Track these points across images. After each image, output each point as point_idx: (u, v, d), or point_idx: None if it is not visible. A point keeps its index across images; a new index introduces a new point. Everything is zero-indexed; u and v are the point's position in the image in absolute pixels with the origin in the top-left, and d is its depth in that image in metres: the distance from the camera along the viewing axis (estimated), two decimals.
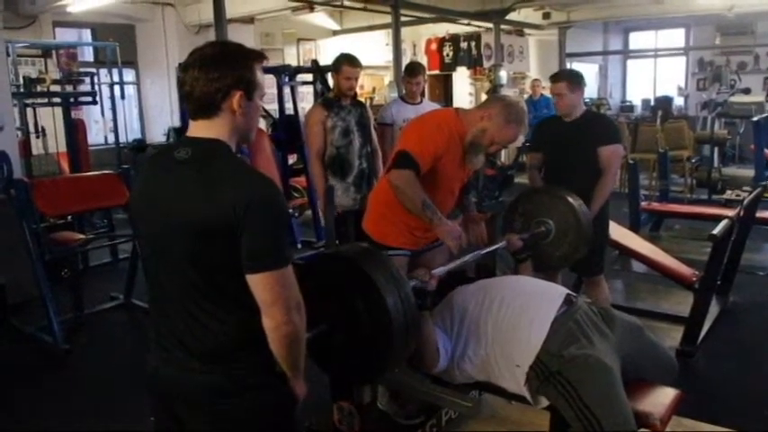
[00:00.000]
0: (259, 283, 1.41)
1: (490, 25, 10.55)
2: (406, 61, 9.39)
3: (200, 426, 1.53)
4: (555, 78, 3.57)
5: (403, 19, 9.07)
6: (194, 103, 1.48)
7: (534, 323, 2.15)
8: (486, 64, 11.03)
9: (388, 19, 8.89)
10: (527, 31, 11.60)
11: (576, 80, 3.50)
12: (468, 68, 11.51)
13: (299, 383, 1.57)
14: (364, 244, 2.31)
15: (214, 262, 1.44)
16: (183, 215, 1.44)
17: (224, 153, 1.48)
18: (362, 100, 4.59)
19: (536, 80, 10.05)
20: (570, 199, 2.99)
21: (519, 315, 2.20)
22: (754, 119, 7.82)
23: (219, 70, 1.45)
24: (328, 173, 4.06)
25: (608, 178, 3.42)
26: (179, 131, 5.64)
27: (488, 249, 2.72)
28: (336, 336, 1.89)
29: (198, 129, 1.50)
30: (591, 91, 13.39)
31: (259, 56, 1.54)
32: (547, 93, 10.23)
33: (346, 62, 4.07)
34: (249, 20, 9.18)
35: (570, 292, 2.32)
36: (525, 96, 11.39)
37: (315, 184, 4.40)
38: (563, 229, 2.97)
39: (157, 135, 8.90)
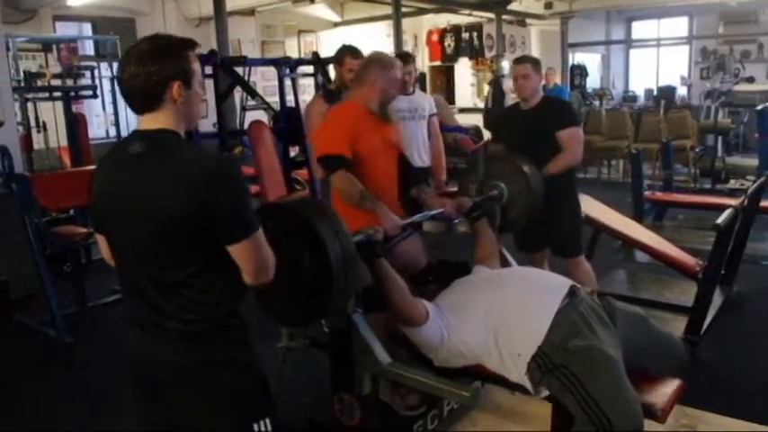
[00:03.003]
0: (239, 252, 1.53)
1: (492, 15, 10.51)
2: None
3: (183, 402, 1.58)
4: (520, 60, 3.65)
5: (404, 10, 9.05)
6: (136, 98, 1.54)
7: (537, 313, 2.14)
8: (488, 54, 11.01)
9: (389, 10, 8.86)
10: (529, 21, 11.54)
11: (538, 64, 3.60)
12: (470, 59, 11.47)
13: None
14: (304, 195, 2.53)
15: (183, 244, 1.52)
16: (148, 206, 1.50)
17: (174, 141, 1.55)
18: None
19: (550, 69, 9.96)
20: (520, 163, 3.14)
21: (522, 305, 2.20)
22: (758, 108, 7.78)
23: (156, 64, 1.50)
24: None
25: (567, 154, 3.46)
26: None
27: (437, 211, 2.84)
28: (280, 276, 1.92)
29: (145, 122, 1.56)
30: (593, 81, 13.35)
31: (191, 44, 1.58)
32: (559, 81, 10.23)
33: (349, 54, 4.04)
34: (250, 12, 9.17)
35: (574, 284, 2.31)
36: None
37: (315, 174, 4.37)
38: (514, 191, 3.12)
39: None
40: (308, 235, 1.92)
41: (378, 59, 2.88)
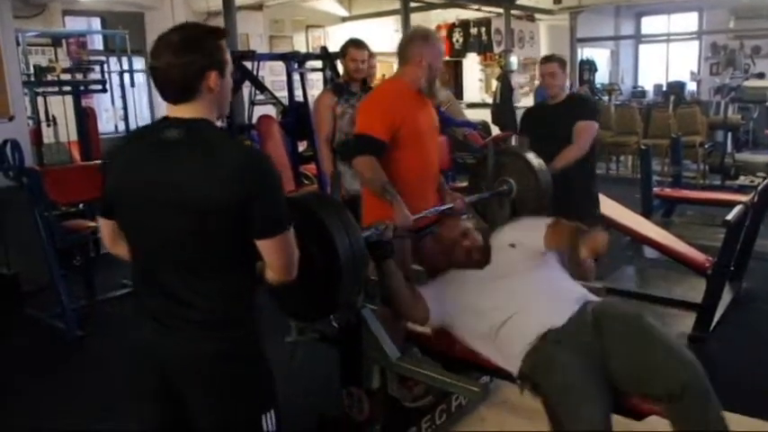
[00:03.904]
0: (270, 248, 1.54)
1: (500, 10, 10.46)
2: None
3: (199, 392, 1.59)
4: (547, 59, 3.86)
5: (412, 5, 9.02)
6: (173, 88, 1.53)
7: (529, 331, 2.15)
8: (497, 50, 10.95)
9: (397, 5, 8.84)
10: (538, 16, 11.49)
11: (564, 63, 3.82)
12: (479, 54, 11.43)
13: None
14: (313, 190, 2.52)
15: (215, 235, 1.51)
16: (186, 193, 1.48)
17: (214, 130, 1.58)
18: (373, 86, 4.53)
19: None
20: (529, 159, 3.14)
21: (522, 317, 2.20)
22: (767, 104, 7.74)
23: (192, 54, 1.50)
24: (337, 158, 4.05)
25: (575, 146, 3.58)
26: None
27: (443, 207, 2.82)
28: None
29: (180, 111, 1.55)
30: (602, 76, 13.28)
31: (223, 33, 1.60)
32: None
33: (352, 45, 4.07)
34: (258, 7, 9.15)
35: (589, 299, 2.28)
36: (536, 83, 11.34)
37: (323, 168, 4.37)
38: (524, 187, 3.12)
39: None
40: (317, 231, 1.93)
41: (421, 33, 2.77)
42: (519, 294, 2.25)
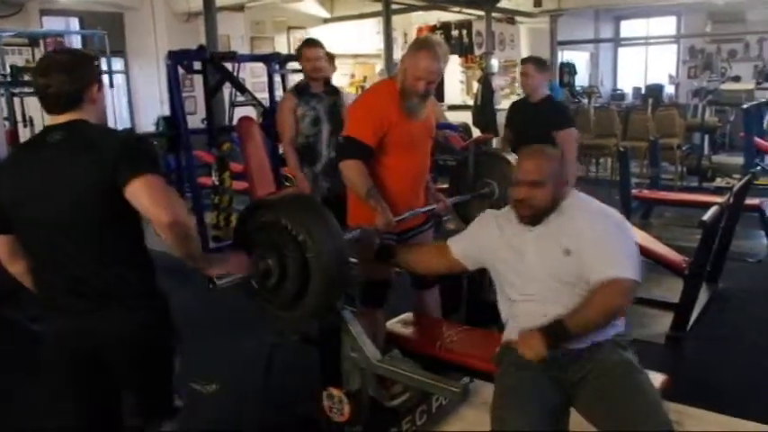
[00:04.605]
0: (136, 191, 1.69)
1: (481, 13, 10.51)
2: (396, 50, 9.42)
3: (126, 359, 1.85)
4: (523, 60, 4.23)
5: (394, 7, 9.03)
6: (62, 99, 1.78)
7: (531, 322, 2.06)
8: (478, 52, 11.01)
9: (378, 7, 8.84)
10: (518, 18, 11.56)
11: (541, 64, 4.07)
12: (460, 56, 11.46)
13: (204, 266, 1.88)
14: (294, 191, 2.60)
15: (112, 214, 1.74)
16: (72, 184, 1.72)
17: (93, 127, 1.81)
18: (339, 86, 4.38)
19: None
20: (511, 159, 3.14)
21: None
22: (744, 106, 7.86)
23: (79, 71, 1.80)
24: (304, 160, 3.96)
25: (569, 162, 3.60)
26: (168, 120, 5.60)
27: (425, 209, 2.83)
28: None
29: (62, 118, 1.80)
30: (582, 79, 13.39)
31: (96, 56, 2.02)
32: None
33: (305, 45, 3.99)
34: (239, 8, 9.12)
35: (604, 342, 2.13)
36: (519, 84, 11.40)
37: (290, 171, 4.23)
38: (506, 189, 3.06)
39: (147, 124, 8.80)
40: (295, 234, 1.92)
41: (417, 42, 2.70)
42: (544, 288, 2.07)
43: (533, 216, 2.09)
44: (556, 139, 3.68)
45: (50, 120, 1.81)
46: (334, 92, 4.06)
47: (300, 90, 3.98)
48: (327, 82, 4.07)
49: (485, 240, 2.24)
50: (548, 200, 2.07)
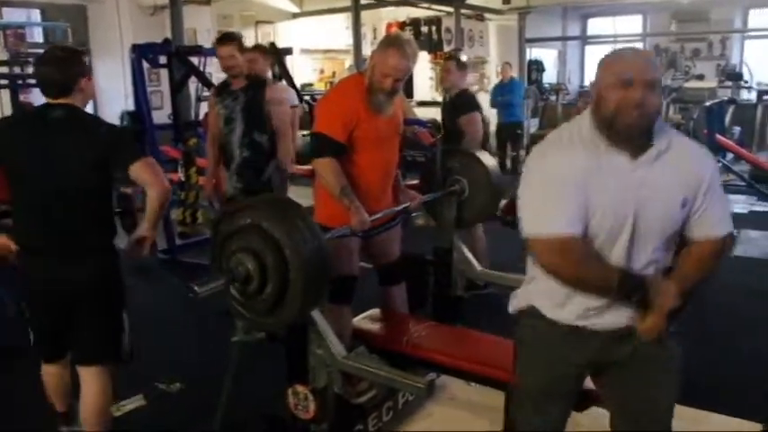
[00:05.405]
0: (139, 169, 2.24)
1: (451, 9, 10.55)
2: (365, 45, 9.39)
3: (86, 303, 2.31)
4: (447, 57, 4.83)
5: (363, 2, 9.02)
6: (57, 87, 2.24)
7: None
8: (447, 48, 11.03)
9: (348, 2, 8.82)
10: (487, 15, 11.63)
11: (461, 64, 4.58)
12: (429, 53, 11.49)
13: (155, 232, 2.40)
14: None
15: (93, 187, 2.26)
16: (71, 157, 2.20)
17: (86, 113, 2.35)
18: (264, 79, 4.10)
19: (506, 63, 10.04)
20: (481, 157, 3.20)
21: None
22: (707, 104, 8.01)
23: (73, 65, 2.28)
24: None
25: (469, 139, 4.19)
26: (133, 115, 5.52)
27: (399, 208, 2.86)
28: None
29: (58, 102, 2.24)
30: (550, 76, 13.54)
31: (85, 52, 2.14)
32: (516, 75, 10.33)
33: (217, 42, 3.84)
34: (206, 1, 9.01)
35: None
36: (488, 81, 11.48)
37: (209, 169, 4.07)
38: (475, 187, 3.15)
39: (111, 118, 8.46)
40: (269, 239, 1.89)
41: (389, 37, 2.77)
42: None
43: (644, 133, 1.63)
44: (460, 123, 4.23)
45: (51, 101, 2.26)
46: (257, 87, 3.78)
47: (220, 89, 3.90)
48: (253, 77, 3.84)
49: (591, 192, 1.62)
50: (659, 111, 1.66)
